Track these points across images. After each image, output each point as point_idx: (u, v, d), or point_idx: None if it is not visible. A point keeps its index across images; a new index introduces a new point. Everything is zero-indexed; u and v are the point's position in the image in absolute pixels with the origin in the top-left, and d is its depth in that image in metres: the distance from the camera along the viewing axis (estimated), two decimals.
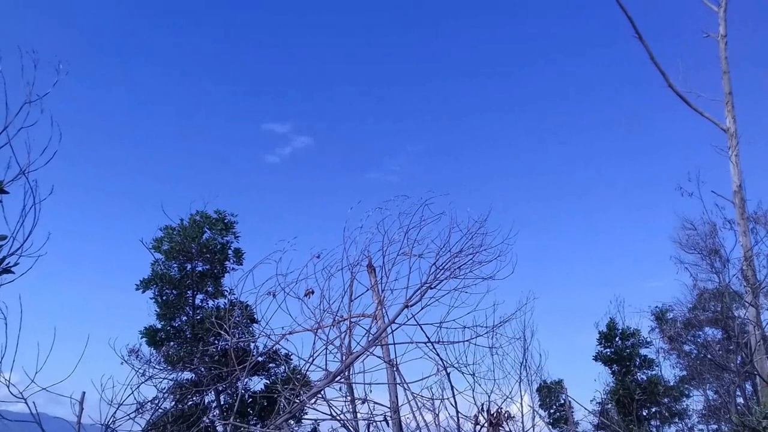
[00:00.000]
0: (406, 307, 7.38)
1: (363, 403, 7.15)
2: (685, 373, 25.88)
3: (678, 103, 16.92)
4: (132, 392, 7.76)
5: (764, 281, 14.39)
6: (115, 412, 7.54)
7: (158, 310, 17.34)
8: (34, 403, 5.84)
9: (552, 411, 29.88)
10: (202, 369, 15.35)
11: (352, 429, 7.09)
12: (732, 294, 15.80)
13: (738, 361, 14.87)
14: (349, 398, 7.38)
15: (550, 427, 28.84)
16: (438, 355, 7.23)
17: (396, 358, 7.52)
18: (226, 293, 17.81)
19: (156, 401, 12.56)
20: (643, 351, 24.85)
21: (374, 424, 7.12)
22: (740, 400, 16.88)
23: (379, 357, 7.41)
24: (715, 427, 25.71)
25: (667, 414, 25.10)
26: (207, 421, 16.05)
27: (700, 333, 25.35)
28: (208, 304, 18.09)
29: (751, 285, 14.20)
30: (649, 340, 25.28)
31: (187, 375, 16.77)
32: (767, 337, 13.83)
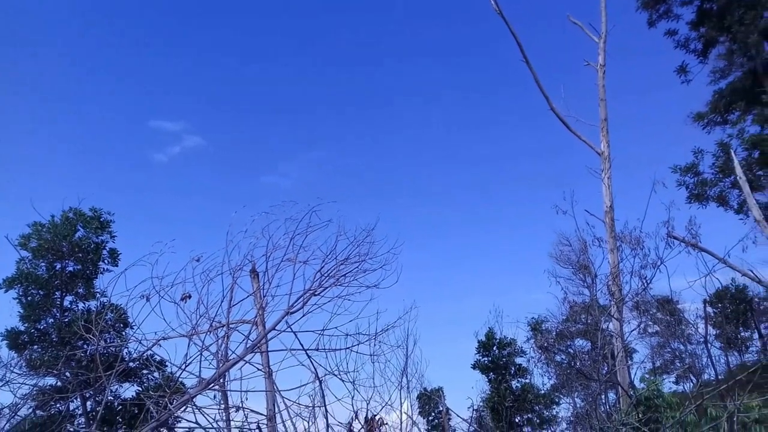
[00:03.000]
0: (288, 313, 7.26)
1: (237, 411, 6.95)
2: (555, 381, 27.24)
3: (559, 126, 17.95)
4: None
5: (627, 296, 15.42)
6: None
7: (22, 311, 16.25)
8: None
9: (431, 418, 30.58)
10: (68, 374, 14.45)
11: None
12: (600, 308, 16.80)
13: (603, 371, 15.78)
14: (223, 406, 7.15)
15: None
16: (313, 362, 7.16)
17: (270, 366, 7.36)
18: (98, 295, 16.93)
19: (13, 407, 11.70)
20: (519, 360, 25.98)
21: None
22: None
23: (255, 365, 7.23)
24: None
25: (538, 420, 26.29)
26: (71, 428, 15.13)
27: (571, 344, 26.75)
28: (78, 306, 17.14)
29: (615, 299, 15.17)
30: (524, 349, 26.46)
31: (51, 380, 15.79)
32: (629, 348, 14.79)
